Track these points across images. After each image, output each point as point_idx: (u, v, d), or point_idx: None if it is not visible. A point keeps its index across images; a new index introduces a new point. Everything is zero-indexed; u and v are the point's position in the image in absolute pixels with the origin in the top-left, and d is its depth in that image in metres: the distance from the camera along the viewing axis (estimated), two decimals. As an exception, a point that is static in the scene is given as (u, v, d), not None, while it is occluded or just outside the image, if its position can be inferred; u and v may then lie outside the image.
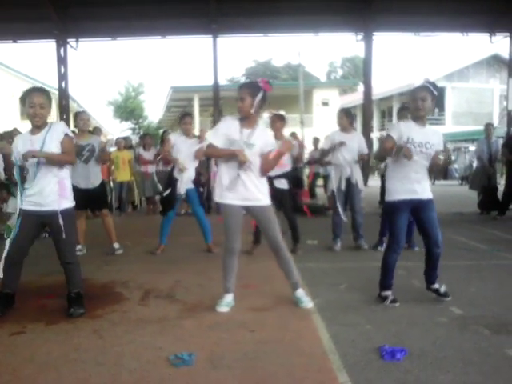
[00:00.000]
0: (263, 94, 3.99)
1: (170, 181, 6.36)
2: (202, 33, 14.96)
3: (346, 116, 6.53)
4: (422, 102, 4.07)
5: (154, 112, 59.15)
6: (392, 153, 4.08)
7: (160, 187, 7.08)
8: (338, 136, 6.44)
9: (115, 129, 45.23)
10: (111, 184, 10.87)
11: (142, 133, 31.68)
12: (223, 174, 4.05)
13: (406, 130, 4.11)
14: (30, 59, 78.06)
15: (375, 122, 34.79)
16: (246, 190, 4.00)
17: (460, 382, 2.80)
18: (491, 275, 5.17)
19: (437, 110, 32.32)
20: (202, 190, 6.65)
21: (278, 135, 5.77)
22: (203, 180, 9.99)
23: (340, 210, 6.36)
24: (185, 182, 6.25)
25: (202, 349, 3.28)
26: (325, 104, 34.66)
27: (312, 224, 8.04)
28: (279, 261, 4.21)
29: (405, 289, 4.66)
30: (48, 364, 3.10)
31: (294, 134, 11.18)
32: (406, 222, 4.21)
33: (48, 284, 4.88)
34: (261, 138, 4.03)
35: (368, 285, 4.82)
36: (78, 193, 6.29)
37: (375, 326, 3.68)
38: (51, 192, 3.96)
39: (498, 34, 15.23)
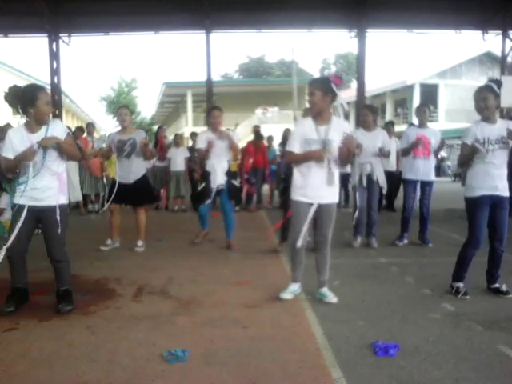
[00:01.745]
0: (334, 89, 3.97)
1: (204, 175, 6.32)
2: (195, 28, 14.88)
3: (372, 113, 6.47)
4: (484, 103, 4.16)
5: (147, 108, 59.02)
6: (472, 157, 4.22)
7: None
8: (361, 135, 6.36)
9: (108, 124, 45.06)
10: (104, 180, 10.80)
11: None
12: (298, 172, 4.11)
13: (480, 132, 4.20)
14: (22, 54, 77.51)
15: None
16: (319, 188, 4.03)
17: (453, 378, 2.82)
18: (483, 272, 5.18)
19: (431, 107, 32.36)
20: (237, 183, 6.54)
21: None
22: (196, 176, 9.96)
23: (358, 204, 6.39)
24: (219, 174, 6.18)
25: (196, 345, 3.28)
26: (318, 100, 34.61)
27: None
28: (319, 256, 4.27)
29: (398, 285, 4.68)
30: (41, 360, 3.08)
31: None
32: (486, 218, 4.25)
33: (40, 280, 4.84)
34: (338, 131, 4.01)
35: (361, 281, 4.85)
36: (118, 187, 6.29)
37: (368, 323, 3.69)
38: (52, 187, 3.94)
39: (490, 31, 15.26)
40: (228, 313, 3.93)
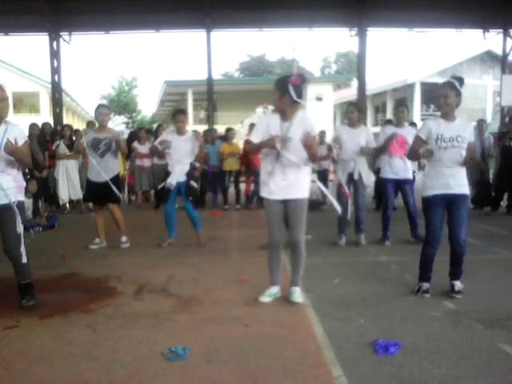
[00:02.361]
0: (293, 88, 3.91)
1: (165, 174, 6.40)
2: (195, 27, 14.87)
3: (358, 110, 6.47)
4: (444, 100, 4.15)
5: (148, 106, 58.97)
6: (422, 154, 4.24)
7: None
8: (345, 132, 6.39)
9: (108, 123, 44.95)
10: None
11: (135, 127, 31.52)
12: (263, 169, 4.14)
13: (434, 128, 4.20)
14: (22, 52, 77.50)
15: (369, 118, 34.79)
16: (283, 184, 4.02)
17: (453, 376, 2.82)
18: (484, 270, 5.19)
19: (432, 106, 32.37)
20: (195, 184, 6.54)
21: None
22: (196, 175, 9.95)
23: (334, 202, 6.30)
24: (177, 174, 6.23)
25: (197, 343, 3.28)
26: (319, 99, 34.63)
27: (306, 219, 8.04)
28: (293, 255, 4.25)
29: (398, 283, 4.68)
30: (42, 358, 3.09)
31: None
32: (441, 217, 4.24)
33: (41, 278, 4.85)
34: (299, 129, 3.97)
35: (361, 279, 4.85)
36: (92, 186, 6.31)
37: (369, 321, 3.70)
38: (7, 187, 3.93)
39: (491, 30, 15.22)
40: (228, 311, 3.93)
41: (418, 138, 4.34)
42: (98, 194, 6.32)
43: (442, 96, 4.16)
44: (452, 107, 4.18)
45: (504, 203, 9.66)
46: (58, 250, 6.27)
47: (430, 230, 4.28)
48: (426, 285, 4.34)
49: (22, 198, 4.11)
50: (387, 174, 6.48)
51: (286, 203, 4.11)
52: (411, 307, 4.01)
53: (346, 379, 2.79)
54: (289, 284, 4.25)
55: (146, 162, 10.85)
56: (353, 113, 6.42)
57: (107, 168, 6.29)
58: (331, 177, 9.66)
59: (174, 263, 5.55)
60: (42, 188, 9.37)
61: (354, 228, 6.58)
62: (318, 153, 4.13)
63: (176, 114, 6.46)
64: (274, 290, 4.23)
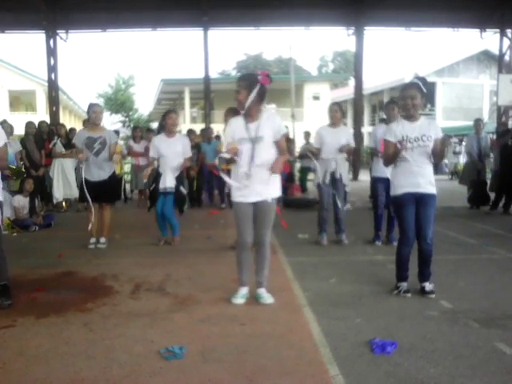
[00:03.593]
0: (260, 88, 3.90)
1: (156, 176, 6.38)
2: (193, 25, 14.91)
3: (341, 110, 6.52)
4: (411, 101, 4.14)
5: (145, 105, 58.85)
6: (398, 155, 4.17)
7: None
8: (326, 131, 6.41)
9: (105, 121, 44.85)
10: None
11: (132, 125, 31.47)
12: (232, 173, 4.11)
13: (399, 130, 4.19)
14: (20, 50, 77.28)
15: (366, 117, 34.85)
16: (253, 186, 3.99)
17: (449, 375, 2.82)
18: (481, 269, 5.21)
19: (429, 106, 32.41)
20: (184, 190, 6.51)
21: None
22: (192, 174, 9.94)
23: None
24: (169, 177, 6.20)
25: (193, 342, 3.28)
26: (316, 98, 34.67)
27: (303, 218, 8.06)
28: (257, 255, 4.22)
29: (395, 282, 4.68)
30: (38, 357, 3.08)
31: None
32: (413, 215, 4.23)
33: (38, 277, 4.85)
34: (268, 127, 3.97)
35: (358, 278, 4.85)
36: (89, 185, 6.30)
37: (365, 320, 3.70)
38: None
39: (488, 30, 15.33)
40: (225, 310, 3.93)
41: (387, 142, 4.29)
42: (97, 193, 6.28)
43: (410, 97, 4.14)
44: (418, 109, 4.18)
45: (501, 202, 9.67)
46: (54, 248, 6.25)
47: (404, 230, 4.28)
48: (404, 285, 4.34)
49: (0, 197, 4.11)
50: (378, 172, 6.46)
51: (255, 204, 4.08)
52: (408, 306, 4.01)
53: (343, 378, 2.79)
54: (255, 286, 4.21)
55: (142, 161, 10.83)
56: (337, 112, 6.45)
57: (103, 167, 6.30)
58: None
59: (170, 262, 5.55)
60: (39, 187, 9.35)
61: (335, 228, 6.60)
62: (286, 152, 4.18)
63: (166, 114, 6.43)
64: (245, 290, 4.20)
